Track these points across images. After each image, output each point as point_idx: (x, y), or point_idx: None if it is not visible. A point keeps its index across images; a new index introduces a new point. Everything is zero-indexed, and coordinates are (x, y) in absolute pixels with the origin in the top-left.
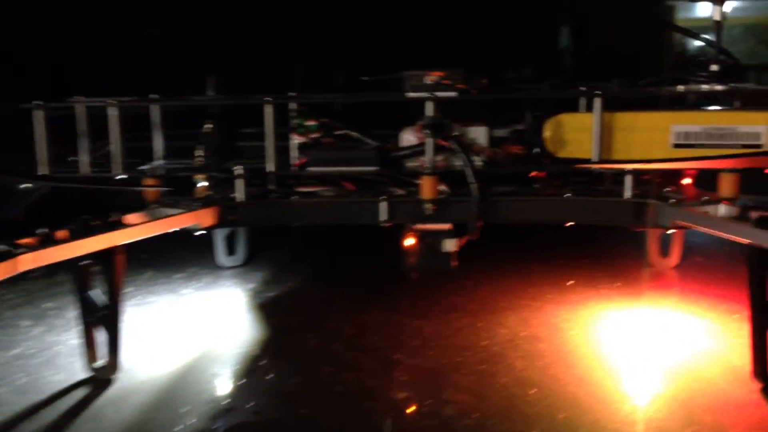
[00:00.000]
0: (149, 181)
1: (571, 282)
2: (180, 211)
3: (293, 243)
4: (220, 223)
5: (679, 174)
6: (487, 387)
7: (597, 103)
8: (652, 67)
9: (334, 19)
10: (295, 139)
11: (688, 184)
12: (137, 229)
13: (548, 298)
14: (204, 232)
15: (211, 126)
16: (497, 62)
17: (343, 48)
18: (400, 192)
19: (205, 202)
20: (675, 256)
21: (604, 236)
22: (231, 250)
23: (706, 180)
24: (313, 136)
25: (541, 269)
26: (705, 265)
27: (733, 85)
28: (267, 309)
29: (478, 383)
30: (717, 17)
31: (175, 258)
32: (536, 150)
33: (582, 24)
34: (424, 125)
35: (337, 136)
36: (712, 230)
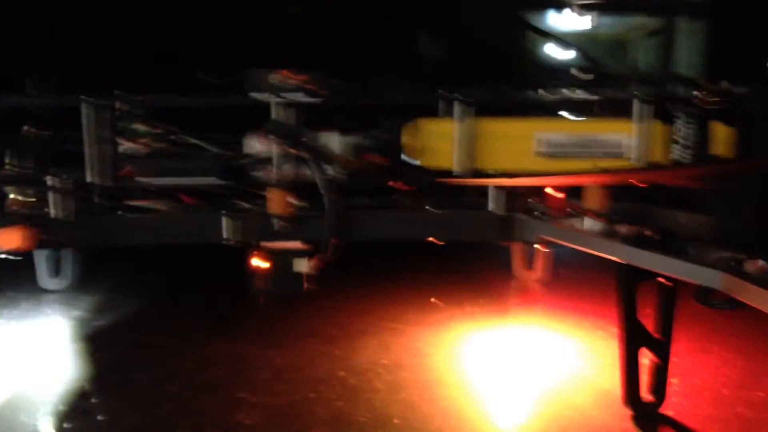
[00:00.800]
0: None
1: (434, 299)
2: None
3: (128, 263)
4: (31, 245)
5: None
6: (344, 427)
7: (457, 108)
8: (515, 74)
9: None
10: (122, 145)
11: (553, 195)
12: None
13: (410, 319)
14: (10, 255)
15: (29, 129)
16: (355, 66)
17: (177, 40)
18: (245, 206)
19: (16, 220)
20: (540, 269)
21: (465, 248)
22: (55, 271)
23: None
24: (143, 141)
25: (401, 286)
26: (569, 278)
27: (595, 92)
28: (96, 341)
29: (333, 424)
30: (587, 26)
31: None
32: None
33: (445, 30)
34: (269, 130)
35: (172, 142)
36: (579, 246)
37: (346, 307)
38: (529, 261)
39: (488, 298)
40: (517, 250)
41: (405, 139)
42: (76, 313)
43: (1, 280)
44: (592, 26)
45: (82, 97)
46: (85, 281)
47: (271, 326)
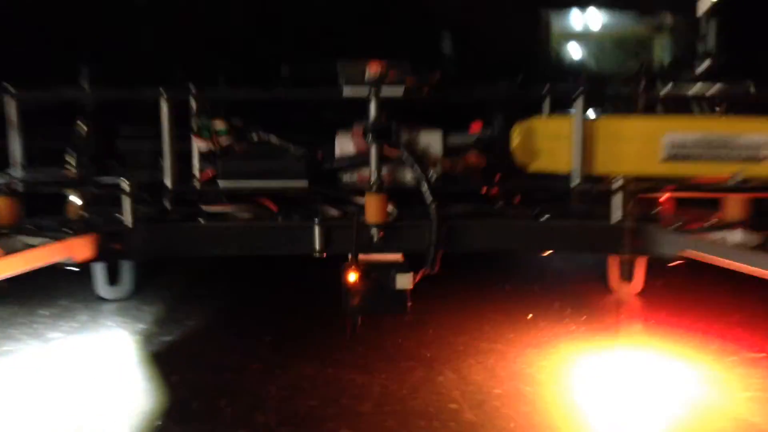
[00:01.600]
0: (3, 200)
1: (530, 316)
2: (44, 240)
3: (192, 268)
4: (101, 256)
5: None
6: None
7: (579, 103)
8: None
9: None
10: (200, 145)
11: (669, 203)
12: None
13: (510, 338)
14: (72, 267)
15: (83, 125)
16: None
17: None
18: (335, 213)
19: (78, 228)
20: (639, 281)
21: (550, 257)
22: (113, 278)
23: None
24: (223, 141)
25: (491, 300)
26: (671, 290)
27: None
28: (165, 361)
29: None
30: (703, 7)
31: (40, 286)
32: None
33: None
34: (368, 130)
35: (253, 142)
36: (733, 263)
37: (437, 324)
38: (628, 273)
39: (589, 313)
40: (613, 261)
41: (516, 140)
42: (140, 326)
43: (54, 287)
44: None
45: (161, 89)
46: (144, 289)
47: (361, 347)
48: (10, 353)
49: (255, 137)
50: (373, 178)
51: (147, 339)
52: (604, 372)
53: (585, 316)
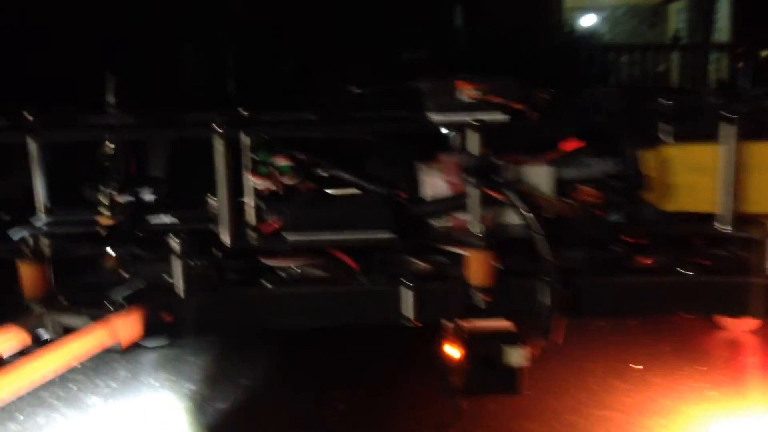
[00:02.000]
0: (27, 265)
1: (641, 367)
2: (82, 319)
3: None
4: (150, 335)
5: None
6: None
7: (726, 130)
8: None
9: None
10: (257, 185)
11: None
12: (8, 380)
13: (627, 402)
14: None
15: (113, 148)
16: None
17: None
18: (425, 266)
19: (121, 302)
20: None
21: None
22: None
23: None
24: (285, 180)
25: (587, 343)
26: None
27: None
28: None
29: None
30: None
31: None
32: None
33: None
34: (468, 169)
35: (321, 182)
36: None
37: (536, 387)
38: None
39: (705, 361)
40: None
41: (651, 172)
42: (188, 386)
43: None
44: None
45: (215, 123)
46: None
47: (461, 421)
48: (44, 427)
49: (323, 173)
50: (477, 230)
51: (199, 406)
52: None
53: (706, 367)
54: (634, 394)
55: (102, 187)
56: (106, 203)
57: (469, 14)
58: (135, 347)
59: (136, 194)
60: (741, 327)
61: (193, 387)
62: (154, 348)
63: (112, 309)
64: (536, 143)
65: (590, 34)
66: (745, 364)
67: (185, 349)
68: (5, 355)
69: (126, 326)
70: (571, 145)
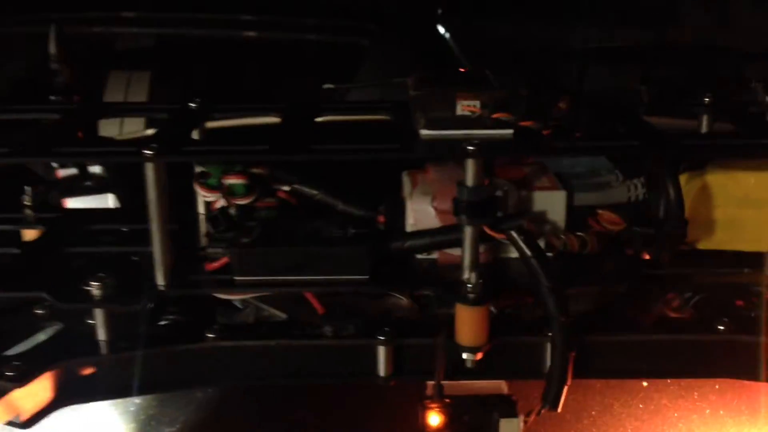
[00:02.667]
0: None
1: (646, 384)
2: None
3: None
4: (61, 401)
5: None
6: None
7: None
8: None
9: None
10: (205, 197)
11: None
12: None
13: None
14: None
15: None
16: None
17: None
18: (404, 302)
19: (27, 366)
20: None
21: None
22: None
23: None
24: (241, 202)
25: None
26: None
27: None
28: None
29: None
30: None
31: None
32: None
33: None
34: (460, 207)
35: (284, 204)
36: None
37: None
38: None
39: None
40: None
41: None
42: (134, 402)
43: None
44: None
45: (147, 151)
46: None
47: None
48: None
49: (287, 189)
50: (470, 282)
51: (143, 430)
52: None
53: (718, 389)
54: (639, 422)
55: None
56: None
57: None
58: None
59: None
60: None
61: (138, 401)
62: None
63: (15, 376)
64: None
65: None
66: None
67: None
68: None
69: (34, 394)
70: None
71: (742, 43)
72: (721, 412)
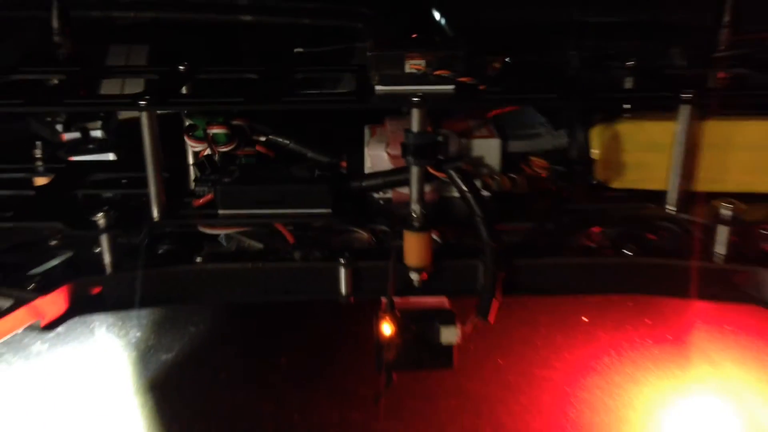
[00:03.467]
0: None
1: (586, 319)
2: (7, 303)
3: None
4: (75, 312)
5: None
6: None
7: (684, 112)
8: None
9: None
10: (193, 147)
11: None
12: None
13: (564, 356)
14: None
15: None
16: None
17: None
18: (364, 235)
19: (46, 281)
20: None
21: None
22: None
23: None
24: (223, 149)
25: (546, 313)
26: None
27: None
28: (164, 398)
29: None
30: None
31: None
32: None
33: None
34: (407, 147)
35: (261, 152)
36: None
37: (483, 350)
38: None
39: (653, 315)
40: None
41: (596, 149)
42: (135, 335)
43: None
44: None
45: (141, 102)
46: None
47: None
48: None
49: (263, 139)
50: (415, 212)
51: (144, 357)
52: (673, 407)
53: (648, 319)
54: (577, 350)
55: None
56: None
57: None
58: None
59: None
60: None
61: (139, 334)
62: None
63: (35, 287)
64: None
65: None
66: (691, 321)
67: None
68: None
69: (50, 304)
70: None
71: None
72: (649, 341)
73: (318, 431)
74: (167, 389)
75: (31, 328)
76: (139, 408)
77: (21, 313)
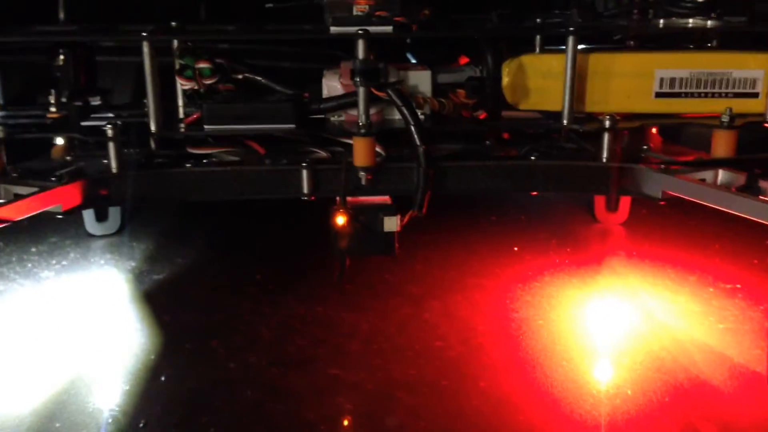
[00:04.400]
0: None
1: (516, 249)
2: (33, 189)
3: (179, 205)
4: (88, 203)
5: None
6: (455, 413)
7: (570, 42)
8: None
9: None
10: (183, 85)
11: (657, 142)
12: None
13: (496, 273)
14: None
15: (64, 61)
16: None
17: None
18: (323, 155)
19: (65, 175)
20: (623, 212)
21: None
22: (101, 215)
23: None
24: (207, 81)
25: (479, 234)
26: (655, 221)
27: (726, 19)
28: (155, 301)
29: (443, 408)
30: None
31: (29, 224)
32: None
33: None
34: (354, 71)
35: (238, 82)
36: (717, 205)
37: (423, 259)
38: (613, 204)
39: (573, 245)
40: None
41: (506, 78)
42: (130, 264)
43: (43, 223)
44: None
45: (144, 33)
46: (133, 226)
47: (350, 285)
48: (2, 293)
49: (240, 78)
50: (361, 121)
51: (138, 277)
52: (585, 305)
53: (569, 248)
54: (505, 268)
55: (53, 92)
56: (55, 102)
57: None
58: (86, 236)
59: (82, 99)
60: (614, 221)
61: (134, 264)
62: (101, 236)
63: (55, 181)
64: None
65: None
66: (604, 248)
67: (130, 237)
68: None
69: (67, 194)
70: (462, 60)
71: None
72: (568, 261)
73: (286, 320)
74: (159, 298)
75: (40, 257)
76: (133, 310)
77: (44, 196)
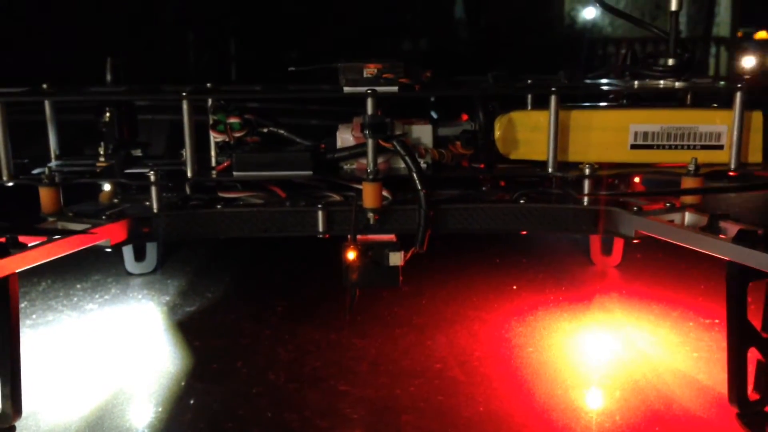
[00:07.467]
0: (44, 189)
1: (515, 287)
2: (85, 226)
3: (209, 247)
4: (132, 238)
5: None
6: (449, 423)
7: (553, 101)
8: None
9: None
10: (216, 138)
11: (634, 188)
12: (36, 253)
13: (495, 307)
14: (108, 248)
15: (109, 115)
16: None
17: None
18: (336, 198)
19: (113, 215)
20: (617, 255)
21: (545, 235)
22: (140, 256)
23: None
24: (237, 134)
25: (481, 273)
26: (647, 263)
27: (693, 80)
28: (187, 329)
29: (438, 419)
30: (674, 6)
31: (74, 263)
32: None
33: None
34: (364, 125)
35: (263, 134)
36: (681, 243)
37: (430, 295)
38: (607, 247)
39: (568, 284)
40: (594, 237)
41: (498, 131)
42: (165, 298)
43: (87, 264)
44: None
45: (184, 93)
46: (168, 266)
47: (360, 316)
48: (52, 323)
49: (265, 131)
50: (369, 168)
51: (172, 310)
52: (574, 336)
53: (564, 287)
54: (503, 303)
55: (102, 144)
56: (103, 153)
57: (470, 6)
58: (125, 275)
59: (126, 150)
60: (607, 263)
61: (168, 298)
62: (139, 275)
63: (105, 219)
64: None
65: (591, 27)
66: (597, 287)
67: (165, 275)
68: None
69: (115, 230)
70: (464, 117)
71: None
72: (563, 300)
73: (303, 345)
74: (191, 326)
75: (85, 292)
76: (168, 337)
77: (96, 231)
